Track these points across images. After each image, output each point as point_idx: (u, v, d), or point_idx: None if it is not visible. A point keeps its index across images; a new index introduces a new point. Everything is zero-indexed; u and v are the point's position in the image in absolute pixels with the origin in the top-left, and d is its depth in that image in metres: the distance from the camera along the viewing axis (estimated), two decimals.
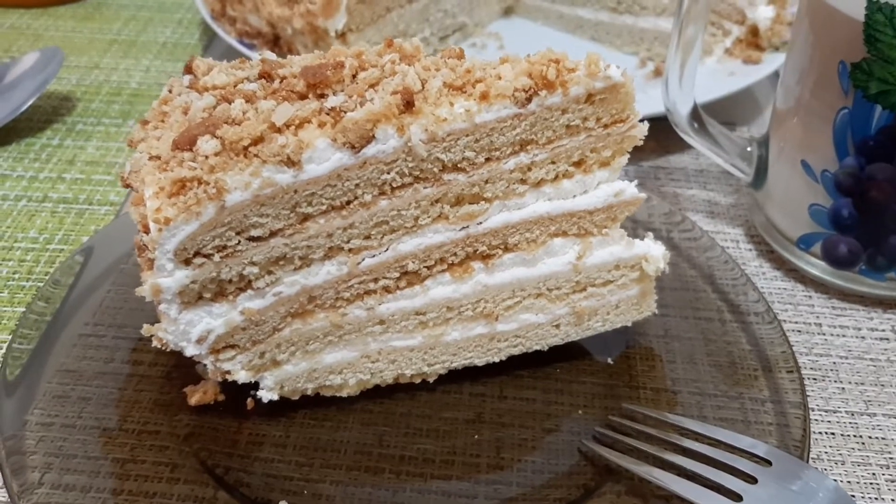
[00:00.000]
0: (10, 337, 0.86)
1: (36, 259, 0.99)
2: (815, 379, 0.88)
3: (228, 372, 0.74)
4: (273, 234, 0.69)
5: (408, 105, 0.68)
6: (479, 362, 0.82)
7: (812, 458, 0.80)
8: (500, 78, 0.71)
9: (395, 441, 0.77)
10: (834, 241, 0.95)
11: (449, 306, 0.78)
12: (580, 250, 0.79)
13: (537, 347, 0.83)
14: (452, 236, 0.75)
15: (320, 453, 0.75)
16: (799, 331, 0.94)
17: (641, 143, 0.77)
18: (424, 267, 0.76)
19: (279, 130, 0.66)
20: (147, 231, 0.65)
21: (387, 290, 0.76)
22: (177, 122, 0.69)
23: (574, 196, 0.78)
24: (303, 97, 0.69)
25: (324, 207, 0.70)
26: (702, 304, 0.91)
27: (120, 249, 0.93)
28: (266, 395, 0.76)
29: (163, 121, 0.72)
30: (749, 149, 1.03)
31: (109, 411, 0.77)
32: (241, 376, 0.74)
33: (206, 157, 0.64)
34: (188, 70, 0.76)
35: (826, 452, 0.80)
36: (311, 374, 0.77)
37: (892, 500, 0.76)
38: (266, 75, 0.72)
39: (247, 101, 0.68)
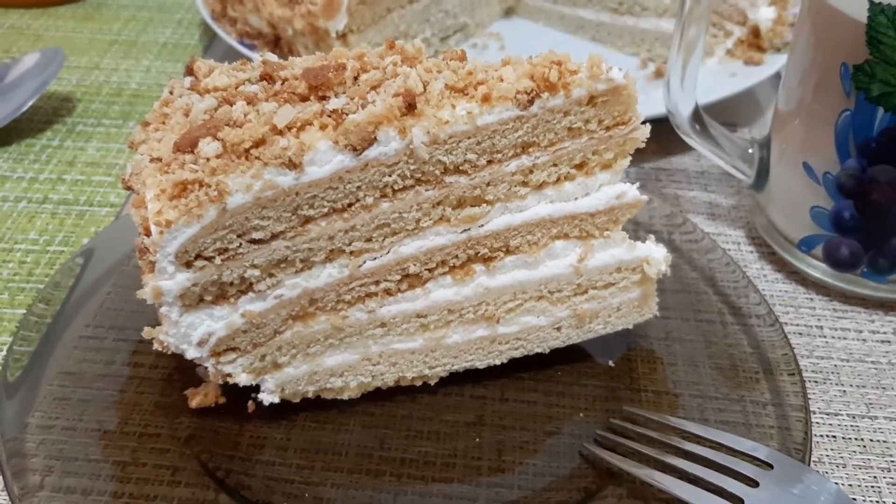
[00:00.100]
0: (10, 339, 0.86)
1: (36, 261, 0.99)
2: (816, 382, 0.88)
3: (229, 375, 0.73)
4: (274, 236, 0.69)
5: (409, 107, 0.68)
6: (481, 365, 0.82)
7: (813, 461, 0.80)
8: (501, 80, 0.70)
9: (396, 443, 0.77)
10: (835, 244, 0.95)
11: (450, 309, 0.78)
12: (582, 253, 0.79)
13: (538, 350, 0.83)
14: (454, 239, 0.75)
15: (321, 456, 0.75)
16: (800, 333, 0.93)
17: (643, 145, 0.77)
18: (426, 269, 0.76)
19: (281, 133, 0.66)
20: (148, 233, 0.65)
21: (388, 292, 0.76)
22: (178, 123, 0.69)
23: (576, 198, 0.78)
24: (304, 99, 0.69)
25: (325, 210, 0.70)
26: (703, 306, 0.91)
27: (120, 251, 0.93)
28: (267, 397, 0.76)
29: (164, 122, 0.72)
30: (750, 150, 1.03)
31: (110, 414, 0.77)
32: (242, 379, 0.74)
33: (208, 159, 0.64)
34: (189, 72, 0.76)
35: (827, 455, 0.80)
36: (311, 376, 0.77)
37: (894, 503, 0.76)
38: (267, 77, 0.72)
39: (248, 104, 0.68)
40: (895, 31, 0.81)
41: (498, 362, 0.83)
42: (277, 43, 1.28)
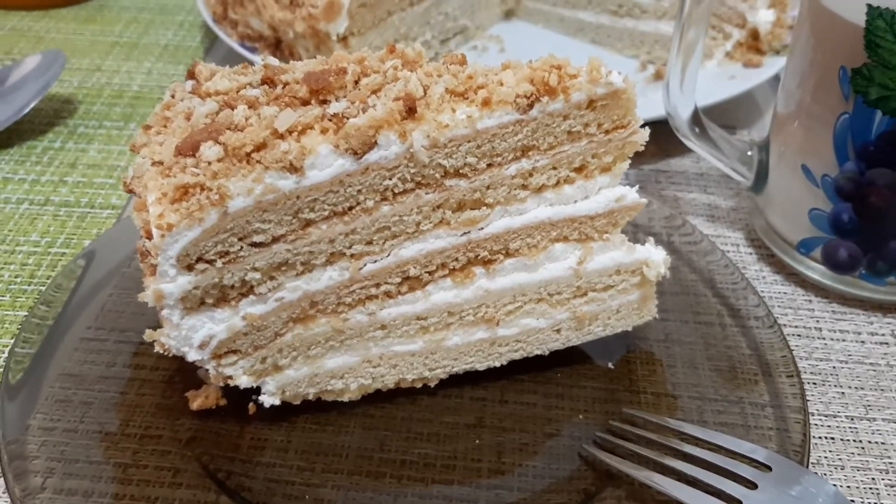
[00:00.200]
0: (12, 341, 0.86)
1: (38, 263, 0.99)
2: (814, 383, 0.88)
3: (230, 377, 0.74)
4: (275, 239, 0.69)
5: (410, 111, 0.68)
6: (481, 367, 0.82)
7: (812, 463, 0.80)
8: (501, 84, 0.71)
9: (397, 445, 0.77)
10: (834, 246, 0.95)
11: (450, 311, 0.79)
12: (581, 255, 0.80)
13: (538, 352, 0.84)
14: (454, 242, 0.75)
15: (322, 458, 0.76)
16: (799, 335, 0.94)
17: (642, 148, 0.77)
18: (426, 272, 0.76)
19: (282, 136, 0.66)
20: (150, 237, 0.65)
21: (388, 295, 0.76)
22: (179, 127, 0.70)
23: (575, 201, 0.78)
24: (305, 103, 0.69)
25: (326, 213, 0.70)
26: (702, 308, 0.92)
27: (122, 253, 0.93)
28: (268, 399, 0.76)
29: (165, 126, 0.72)
30: (749, 153, 1.04)
31: (111, 416, 0.77)
32: (243, 381, 0.74)
33: (209, 163, 0.65)
34: (191, 75, 0.76)
35: (826, 457, 0.81)
36: (312, 378, 0.77)
37: None
38: (269, 81, 0.72)
39: (249, 107, 0.69)
40: (893, 35, 0.82)
41: (497, 364, 0.83)
42: (278, 45, 1.29)
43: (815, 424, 0.84)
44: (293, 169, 0.66)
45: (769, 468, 0.70)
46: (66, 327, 0.85)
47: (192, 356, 0.71)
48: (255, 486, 0.73)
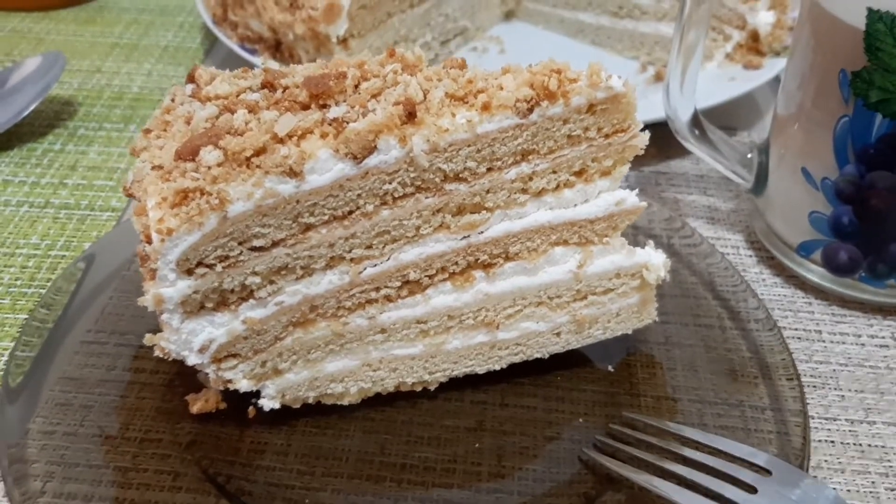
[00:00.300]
0: (12, 344, 0.86)
1: (38, 265, 0.99)
2: (814, 386, 0.88)
3: (230, 381, 0.74)
4: (275, 244, 0.69)
5: (410, 116, 0.68)
6: (480, 370, 0.82)
7: (812, 467, 0.80)
8: (501, 88, 0.71)
9: (397, 449, 0.77)
10: (834, 249, 0.95)
11: (450, 315, 0.79)
12: (581, 259, 0.80)
13: (538, 355, 0.84)
14: (454, 245, 0.75)
15: (322, 461, 0.76)
16: (799, 338, 0.94)
17: (643, 152, 0.77)
18: (426, 276, 0.76)
19: (281, 141, 0.66)
20: (149, 241, 0.65)
21: (388, 298, 0.76)
22: (179, 131, 0.70)
23: (575, 205, 0.78)
24: (305, 107, 0.69)
25: (325, 217, 0.70)
26: (702, 311, 0.92)
27: (122, 256, 0.93)
28: (267, 403, 0.76)
29: (165, 130, 0.72)
30: (749, 155, 1.03)
31: (111, 419, 0.77)
32: (243, 385, 0.74)
33: (209, 167, 0.65)
34: (191, 79, 0.76)
35: (826, 461, 0.81)
36: (312, 382, 0.77)
37: None
38: (269, 85, 0.73)
39: (249, 112, 0.69)
40: (893, 39, 0.82)
41: (498, 368, 0.83)
42: (278, 47, 1.28)
43: (815, 428, 0.84)
44: (293, 173, 0.66)
45: (769, 472, 0.70)
46: (67, 330, 0.85)
47: (192, 360, 0.71)
48: (255, 490, 0.73)
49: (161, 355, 0.71)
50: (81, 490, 0.71)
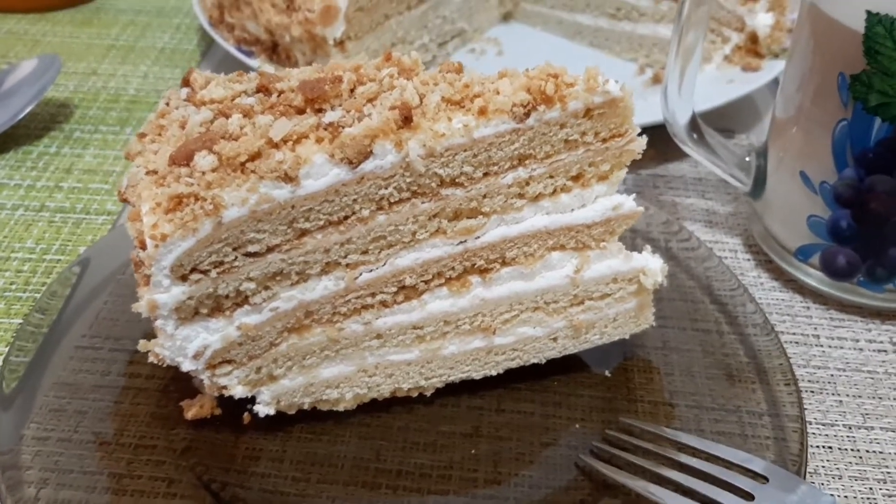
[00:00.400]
0: (6, 349, 0.86)
1: (33, 270, 0.99)
2: (812, 392, 0.88)
3: (225, 387, 0.73)
4: (270, 249, 0.69)
5: (406, 120, 0.68)
6: (477, 376, 0.82)
7: (809, 473, 0.80)
8: (498, 93, 0.70)
9: (393, 455, 0.77)
10: (832, 253, 0.95)
11: (446, 320, 0.78)
12: (578, 264, 0.79)
13: (535, 360, 0.83)
14: (450, 251, 0.75)
15: (317, 468, 0.75)
16: (797, 342, 0.93)
17: (640, 157, 0.77)
18: (422, 281, 0.76)
19: (276, 146, 0.66)
20: (143, 247, 0.65)
21: (384, 304, 0.76)
22: (174, 136, 0.69)
23: (572, 210, 0.77)
24: (300, 112, 0.69)
25: (321, 223, 0.70)
26: (700, 315, 0.91)
27: (117, 260, 0.92)
28: (263, 409, 0.76)
29: (160, 134, 0.72)
30: (748, 158, 1.03)
31: (106, 425, 0.77)
32: (238, 391, 0.74)
33: (203, 172, 0.64)
34: (186, 83, 0.76)
35: (823, 467, 0.80)
36: (307, 388, 0.77)
37: None
38: (264, 89, 0.72)
39: (244, 116, 0.68)
40: (892, 42, 0.81)
41: (494, 373, 0.82)
42: (275, 49, 1.28)
43: (813, 433, 0.83)
44: (288, 178, 0.66)
45: (766, 479, 0.70)
46: (61, 335, 0.85)
47: (187, 366, 0.71)
48: (249, 496, 0.72)
49: (155, 361, 0.71)
50: (76, 497, 0.70)
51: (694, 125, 1.01)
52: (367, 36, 1.26)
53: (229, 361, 0.73)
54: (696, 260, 0.97)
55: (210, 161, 0.64)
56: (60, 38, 1.47)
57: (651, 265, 0.81)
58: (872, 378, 0.89)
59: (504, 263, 0.78)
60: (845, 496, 0.78)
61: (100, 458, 0.74)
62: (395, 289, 0.75)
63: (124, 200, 0.70)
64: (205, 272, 0.67)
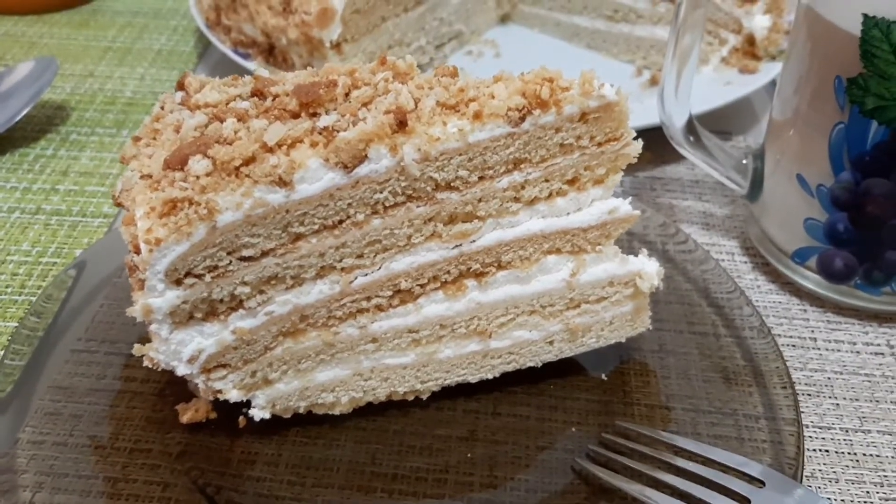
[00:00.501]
0: (1, 352, 0.85)
1: (28, 273, 0.99)
2: (809, 395, 0.88)
3: (220, 391, 0.73)
4: (265, 253, 0.69)
5: (401, 124, 0.67)
6: (473, 379, 0.82)
7: (806, 476, 0.79)
8: (493, 97, 0.70)
9: (388, 459, 0.77)
10: (830, 256, 0.94)
11: (442, 324, 0.78)
12: (574, 267, 0.79)
13: (531, 364, 0.83)
14: (446, 255, 0.75)
15: (312, 472, 0.75)
16: (794, 345, 0.93)
17: (635, 161, 0.77)
18: (417, 285, 0.76)
19: (271, 150, 0.66)
20: (138, 251, 0.65)
21: (379, 308, 0.76)
22: (168, 140, 0.69)
23: (568, 214, 0.77)
24: (295, 116, 0.69)
25: (316, 227, 0.69)
26: (696, 318, 0.91)
27: (113, 263, 0.92)
28: (258, 413, 0.76)
29: (155, 138, 0.72)
30: (745, 161, 1.03)
31: (101, 429, 0.77)
32: (233, 395, 0.74)
33: (198, 177, 0.64)
34: (180, 87, 0.76)
35: (820, 470, 0.80)
36: (303, 392, 0.77)
37: None
38: (258, 93, 0.72)
39: (239, 120, 0.68)
40: (889, 45, 0.81)
41: (490, 377, 0.82)
42: (272, 52, 1.28)
43: (810, 437, 0.83)
44: (282, 183, 0.65)
45: (762, 483, 0.70)
46: (57, 339, 0.85)
47: (182, 370, 0.71)
48: (245, 501, 0.72)
49: (150, 366, 0.71)
50: (71, 501, 0.70)
51: (691, 128, 1.01)
52: (363, 38, 1.25)
53: (224, 365, 0.72)
54: (692, 263, 0.97)
55: (204, 165, 0.64)
56: (57, 40, 1.46)
57: (647, 269, 0.81)
58: (869, 381, 0.89)
59: (500, 267, 0.78)
60: (842, 500, 0.78)
61: (95, 461, 0.74)
62: (390, 292, 0.75)
63: (119, 204, 0.70)
64: (199, 276, 0.67)
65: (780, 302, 0.99)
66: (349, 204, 0.69)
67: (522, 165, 0.73)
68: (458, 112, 0.70)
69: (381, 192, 0.70)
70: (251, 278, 0.69)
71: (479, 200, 0.73)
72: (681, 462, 0.73)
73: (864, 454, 0.82)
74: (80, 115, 1.28)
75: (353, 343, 0.76)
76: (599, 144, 0.75)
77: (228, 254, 0.67)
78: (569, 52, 1.46)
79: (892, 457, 0.81)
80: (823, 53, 0.88)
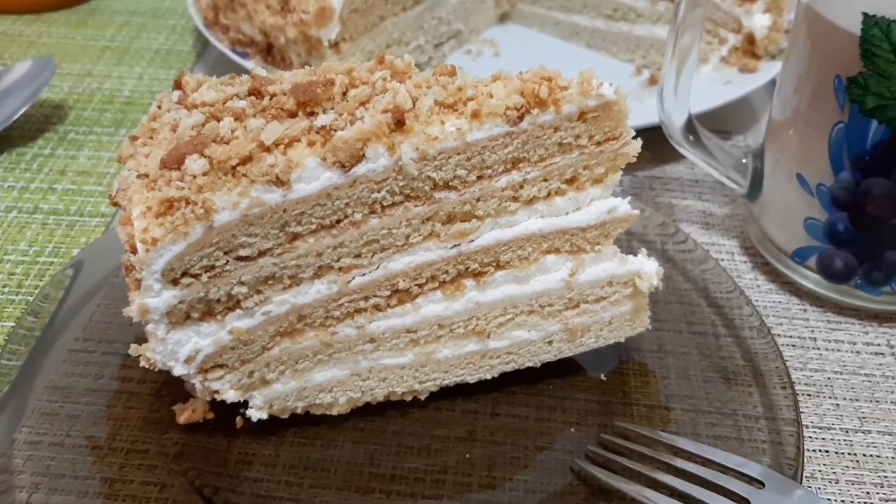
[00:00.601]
0: None
1: (26, 272, 0.99)
2: (809, 395, 0.87)
3: (217, 391, 0.73)
4: (262, 253, 0.68)
5: (398, 124, 0.67)
6: (471, 380, 0.81)
7: (806, 477, 0.79)
8: (491, 96, 0.70)
9: (386, 459, 0.76)
10: (829, 255, 0.94)
11: (440, 324, 0.78)
12: (573, 267, 0.79)
13: (530, 364, 0.83)
14: (444, 254, 0.74)
15: (310, 472, 0.75)
16: (793, 345, 0.93)
17: (635, 160, 0.77)
18: (416, 285, 0.75)
19: (268, 149, 0.65)
20: (134, 251, 0.64)
21: (377, 308, 0.75)
22: (165, 139, 0.69)
23: (567, 213, 0.77)
24: (292, 115, 0.68)
25: (313, 226, 0.69)
26: (696, 318, 0.91)
27: (110, 263, 0.92)
28: (255, 413, 0.75)
29: (152, 137, 0.71)
30: (744, 160, 1.03)
31: (98, 429, 0.76)
32: (230, 395, 0.73)
33: (194, 176, 0.64)
34: (177, 86, 0.75)
35: (820, 471, 0.80)
36: (300, 392, 0.76)
37: None
38: (256, 92, 0.72)
39: (236, 119, 0.68)
40: (889, 44, 0.81)
41: (489, 377, 0.82)
42: (270, 51, 1.28)
43: (809, 437, 0.83)
44: (280, 182, 0.65)
45: (762, 484, 0.70)
46: (54, 339, 0.85)
47: (179, 371, 0.70)
48: (242, 502, 0.72)
49: (147, 366, 0.70)
50: (67, 502, 0.70)
51: (690, 127, 1.01)
52: (362, 37, 1.25)
53: (221, 366, 0.72)
54: (692, 262, 0.96)
55: (201, 165, 0.64)
56: (55, 40, 1.46)
57: (646, 268, 0.81)
58: (869, 381, 0.89)
59: (498, 267, 0.77)
60: (842, 501, 0.77)
61: (92, 462, 0.74)
62: (388, 292, 0.75)
63: (115, 204, 0.70)
64: (196, 276, 0.67)
65: (779, 302, 0.99)
66: (347, 203, 0.69)
67: (521, 165, 0.73)
68: (457, 111, 0.69)
69: (379, 192, 0.69)
70: (248, 278, 0.69)
71: (478, 200, 0.73)
72: (680, 463, 0.73)
73: (865, 455, 0.81)
74: (78, 115, 1.27)
75: (351, 343, 0.76)
76: (598, 144, 0.75)
77: (225, 253, 0.67)
78: (568, 51, 1.46)
79: (893, 457, 0.81)
80: (823, 52, 0.87)
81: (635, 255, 0.82)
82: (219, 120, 0.68)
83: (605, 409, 0.82)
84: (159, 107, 0.74)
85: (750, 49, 1.35)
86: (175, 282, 0.66)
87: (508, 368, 0.82)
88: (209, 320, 0.70)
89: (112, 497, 0.71)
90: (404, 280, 0.74)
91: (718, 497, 0.69)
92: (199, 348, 0.70)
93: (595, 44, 1.46)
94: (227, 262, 0.67)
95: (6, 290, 0.96)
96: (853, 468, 0.80)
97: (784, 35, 1.33)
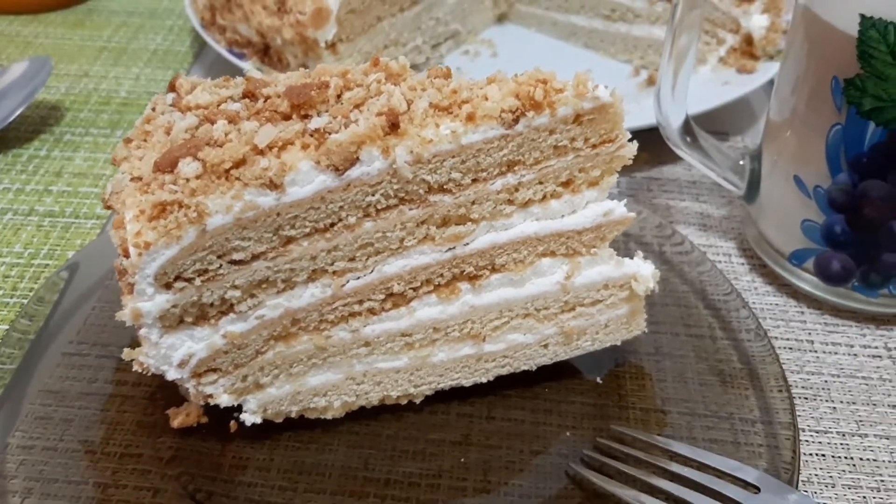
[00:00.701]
0: None
1: (20, 275, 0.98)
2: (806, 398, 0.87)
3: (210, 395, 0.73)
4: (255, 257, 0.68)
5: (393, 126, 0.67)
6: (467, 383, 0.81)
7: (802, 481, 0.79)
8: (486, 99, 0.70)
9: (381, 464, 0.76)
10: (827, 258, 0.94)
11: (435, 327, 0.77)
12: (568, 270, 0.79)
13: (525, 367, 0.82)
14: (439, 258, 0.74)
15: (304, 477, 0.74)
16: (790, 348, 0.93)
17: (630, 162, 0.76)
18: (410, 288, 0.75)
19: (262, 152, 0.65)
20: (127, 255, 0.64)
21: (372, 311, 0.75)
22: (159, 142, 0.69)
23: (562, 216, 0.77)
24: (286, 118, 0.68)
25: (307, 230, 0.69)
26: (693, 320, 0.91)
27: (105, 266, 0.92)
28: (249, 417, 0.75)
29: (145, 140, 0.71)
30: (742, 162, 1.02)
31: (92, 433, 0.76)
32: (224, 400, 0.73)
33: (188, 179, 0.63)
34: (172, 88, 0.75)
35: (816, 475, 0.79)
36: (294, 396, 0.76)
37: None
38: (250, 95, 0.71)
39: (229, 122, 0.67)
40: (886, 46, 0.80)
41: (484, 380, 0.82)
42: (267, 52, 1.27)
43: (806, 441, 0.83)
44: (273, 185, 0.65)
45: (758, 489, 0.69)
46: (48, 342, 0.84)
47: (172, 375, 0.70)
48: None
49: (140, 370, 0.70)
50: None
51: (687, 128, 1.01)
52: (359, 38, 1.25)
53: (215, 370, 0.72)
54: (689, 264, 0.96)
55: (194, 168, 0.63)
56: (52, 40, 1.46)
57: (643, 271, 0.80)
58: (867, 384, 0.89)
59: (494, 270, 0.77)
60: None
61: (85, 466, 0.73)
62: (382, 296, 0.74)
63: (108, 207, 0.70)
64: (189, 280, 0.66)
65: (776, 304, 0.98)
66: (341, 207, 0.69)
67: (516, 167, 0.73)
68: (451, 114, 0.69)
69: (373, 195, 0.69)
70: (242, 282, 0.68)
71: (473, 203, 0.73)
72: (675, 467, 0.73)
73: (861, 458, 0.81)
74: (75, 116, 1.27)
75: (346, 347, 0.75)
76: (594, 146, 0.74)
77: (218, 257, 0.67)
78: (566, 52, 1.46)
79: (889, 461, 0.81)
80: (821, 54, 0.87)
81: (632, 257, 0.82)
82: (213, 123, 0.68)
83: (601, 412, 0.81)
84: (154, 109, 0.74)
85: (748, 50, 1.34)
86: (168, 286, 0.66)
87: (504, 372, 0.82)
88: (203, 324, 0.69)
89: (105, 502, 0.71)
90: (399, 283, 0.74)
91: (714, 502, 0.69)
92: (192, 352, 0.70)
93: (593, 44, 1.46)
94: (221, 265, 0.67)
95: (0, 292, 0.96)
96: (850, 472, 0.80)
97: (782, 36, 1.33)
